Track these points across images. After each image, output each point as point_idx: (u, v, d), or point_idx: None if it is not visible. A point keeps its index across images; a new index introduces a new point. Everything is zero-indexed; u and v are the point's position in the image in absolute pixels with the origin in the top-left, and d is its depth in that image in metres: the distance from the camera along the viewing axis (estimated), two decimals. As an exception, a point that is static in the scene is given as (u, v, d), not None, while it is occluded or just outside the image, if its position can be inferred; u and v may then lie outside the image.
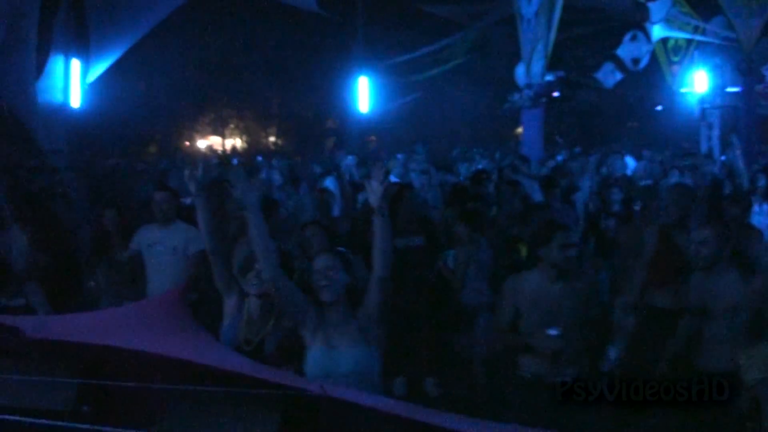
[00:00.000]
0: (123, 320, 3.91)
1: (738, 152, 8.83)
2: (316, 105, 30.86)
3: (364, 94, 21.96)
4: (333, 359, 3.99)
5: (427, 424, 2.95)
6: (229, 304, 4.54)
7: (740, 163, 8.87)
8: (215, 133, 35.93)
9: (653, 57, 19.35)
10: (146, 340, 3.47)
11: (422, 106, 27.05)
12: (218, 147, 35.32)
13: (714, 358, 4.76)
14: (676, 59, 19.78)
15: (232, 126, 35.79)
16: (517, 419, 4.72)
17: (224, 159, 22.15)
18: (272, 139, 35.98)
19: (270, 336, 4.36)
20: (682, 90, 19.40)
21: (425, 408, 3.21)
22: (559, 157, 15.75)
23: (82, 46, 15.86)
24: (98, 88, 16.76)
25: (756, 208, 8.43)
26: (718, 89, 17.26)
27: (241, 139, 35.91)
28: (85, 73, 16.06)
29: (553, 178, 9.07)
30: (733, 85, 16.94)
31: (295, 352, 4.19)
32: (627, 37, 17.81)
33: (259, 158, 18.98)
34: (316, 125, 32.73)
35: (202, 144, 35.75)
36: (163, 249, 6.79)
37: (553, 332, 4.72)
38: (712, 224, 4.95)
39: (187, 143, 34.69)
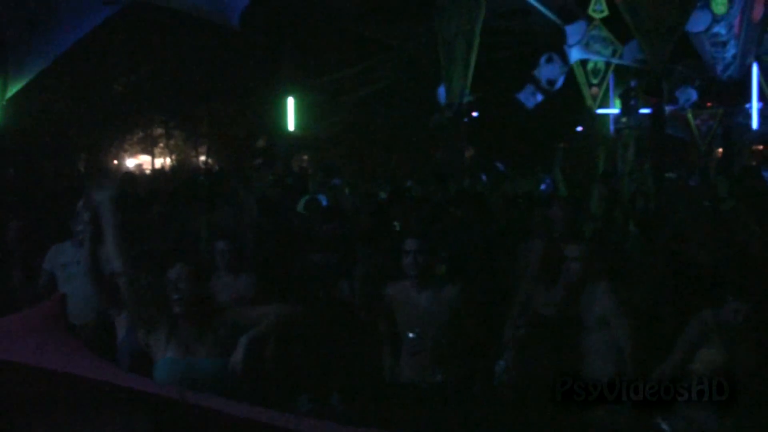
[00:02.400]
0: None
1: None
2: (248, 124, 30.76)
3: (291, 113, 22.03)
4: (188, 368, 3.99)
5: (283, 428, 3.03)
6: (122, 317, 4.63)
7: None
8: (144, 151, 35.57)
9: (573, 79, 19.88)
10: (18, 351, 3.48)
11: (352, 126, 27.17)
12: (147, 166, 34.99)
13: (592, 370, 4.84)
14: (595, 81, 20.33)
15: (161, 145, 35.46)
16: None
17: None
18: (202, 158, 35.74)
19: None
20: (599, 111, 19.94)
21: (286, 414, 3.28)
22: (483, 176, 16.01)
23: (1, 62, 15.61)
24: (17, 105, 16.51)
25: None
26: (633, 111, 17.76)
27: (170, 158, 35.59)
28: (3, 89, 15.81)
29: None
30: (646, 107, 17.46)
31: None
32: (543, 58, 18.27)
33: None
34: (248, 144, 32.61)
35: (130, 162, 35.38)
36: (79, 269, 6.15)
37: (410, 335, 4.94)
38: (581, 241, 5.16)
39: (116, 162, 34.28)
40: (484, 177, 16.02)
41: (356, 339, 7.13)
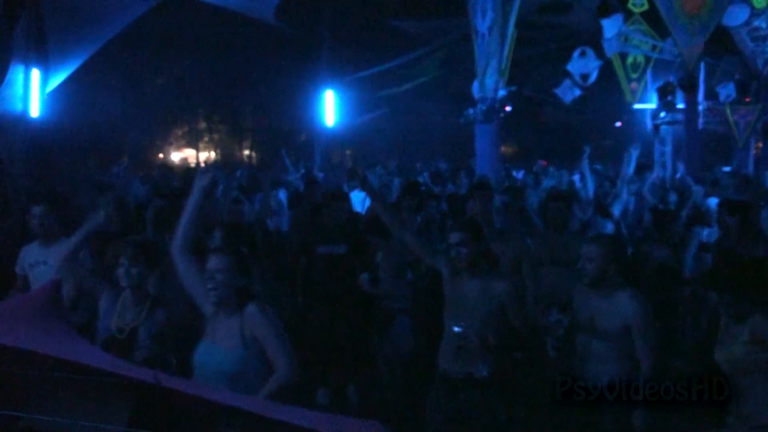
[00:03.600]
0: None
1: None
2: (289, 118, 30.97)
3: (330, 108, 22.13)
4: (212, 355, 4.12)
5: (259, 414, 3.07)
6: (104, 299, 4.77)
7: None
8: (189, 145, 35.97)
9: (613, 74, 19.68)
10: (11, 335, 3.57)
11: (392, 120, 27.23)
12: (192, 159, 35.38)
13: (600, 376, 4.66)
14: (634, 76, 20.09)
15: (206, 139, 35.85)
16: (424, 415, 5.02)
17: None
18: (246, 152, 36.05)
19: (143, 325, 4.51)
20: (637, 106, 19.70)
21: (267, 402, 3.33)
22: (519, 174, 15.97)
23: (42, 55, 15.91)
24: (58, 98, 16.81)
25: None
26: (670, 106, 17.52)
27: (215, 152, 35.96)
28: (44, 82, 16.12)
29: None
30: (683, 101, 17.22)
31: (172, 343, 4.38)
32: (576, 53, 18.11)
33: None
34: (290, 138, 32.83)
35: (175, 156, 35.79)
36: (47, 270, 5.82)
37: (456, 329, 4.89)
38: (599, 240, 4.99)
39: (161, 155, 34.71)
40: (521, 174, 16.03)
41: (376, 330, 7.18)
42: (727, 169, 15.92)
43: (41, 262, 5.98)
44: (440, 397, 5.00)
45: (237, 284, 4.18)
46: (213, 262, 4.20)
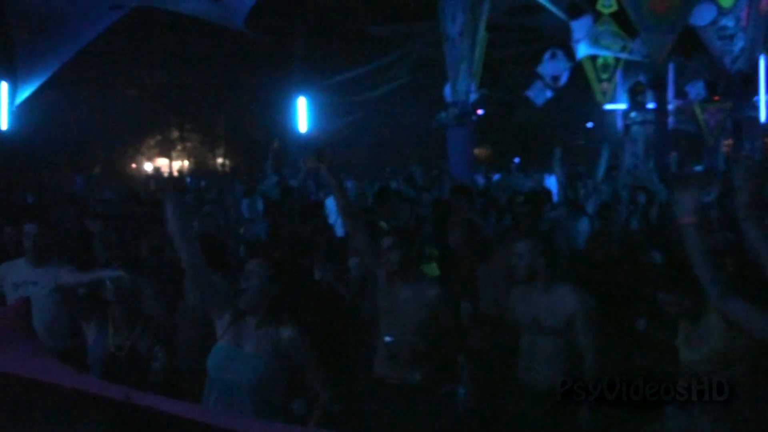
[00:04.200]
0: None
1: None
2: (263, 125, 30.91)
3: (302, 114, 22.07)
4: (234, 360, 4.02)
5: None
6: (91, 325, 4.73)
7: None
8: (162, 155, 35.83)
9: (583, 74, 19.79)
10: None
11: (365, 125, 27.22)
12: (165, 169, 35.24)
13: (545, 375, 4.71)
14: (605, 77, 20.20)
15: (179, 148, 35.72)
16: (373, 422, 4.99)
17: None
18: (220, 160, 35.95)
19: (141, 339, 4.49)
20: (608, 107, 19.84)
21: (240, 417, 3.31)
22: (496, 176, 16.00)
23: (10, 67, 15.80)
24: (28, 110, 16.70)
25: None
26: (640, 106, 17.66)
27: (188, 160, 35.84)
28: (12, 95, 16.00)
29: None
30: (653, 101, 17.36)
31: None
32: (546, 55, 18.20)
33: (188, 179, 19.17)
34: (265, 145, 32.73)
35: (148, 166, 35.64)
36: (38, 291, 5.59)
37: (387, 338, 4.91)
38: (529, 237, 5.01)
39: (134, 165, 34.55)
40: (496, 176, 16.06)
41: (349, 338, 7.16)
42: (698, 168, 16.07)
43: (30, 282, 5.71)
44: (377, 403, 5.01)
45: (272, 292, 4.10)
46: (252, 264, 4.15)
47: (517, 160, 18.83)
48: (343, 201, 5.30)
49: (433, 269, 6.81)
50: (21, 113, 16.37)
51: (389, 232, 5.20)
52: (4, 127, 15.87)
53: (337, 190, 5.30)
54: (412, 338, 4.84)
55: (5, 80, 15.60)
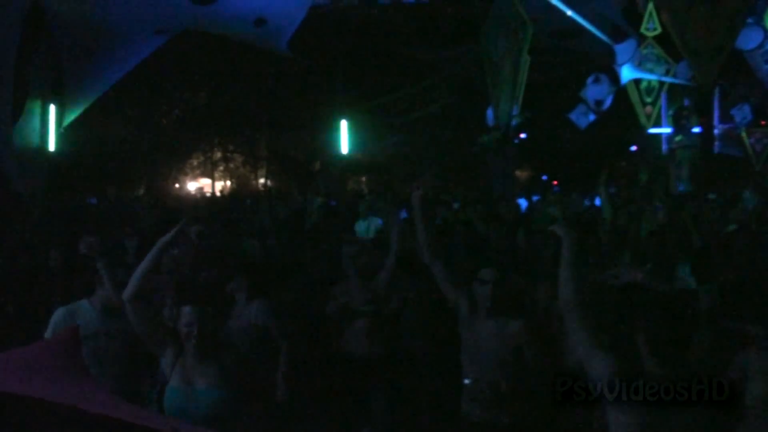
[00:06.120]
0: (12, 363, 3.98)
1: None
2: (305, 146, 31.08)
3: (344, 135, 22.24)
4: (189, 398, 4.06)
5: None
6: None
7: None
8: (204, 174, 36.12)
9: (627, 98, 19.60)
10: (33, 384, 3.55)
11: (407, 147, 27.23)
12: (208, 189, 35.52)
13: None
14: (649, 100, 19.95)
15: (221, 168, 35.99)
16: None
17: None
18: (261, 180, 36.14)
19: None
20: (652, 131, 19.58)
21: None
22: (535, 197, 15.90)
23: (58, 91, 16.10)
24: (75, 131, 16.99)
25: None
26: (685, 130, 17.45)
27: (230, 180, 36.10)
28: (61, 117, 16.30)
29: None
30: (698, 125, 17.16)
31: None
32: (590, 79, 18.04)
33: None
34: (307, 166, 32.92)
35: (192, 186, 35.94)
36: (113, 344, 5.08)
37: (466, 381, 4.75)
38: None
39: (177, 185, 34.87)
40: (535, 198, 15.95)
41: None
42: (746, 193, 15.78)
43: (103, 334, 5.06)
44: None
45: (211, 330, 4.19)
46: (187, 313, 4.18)
47: (555, 185, 18.68)
48: (425, 234, 5.23)
49: None
50: (68, 134, 16.66)
51: (488, 264, 5.07)
52: (53, 148, 16.15)
53: (422, 233, 5.23)
54: (493, 377, 4.68)
55: (54, 103, 15.89)
